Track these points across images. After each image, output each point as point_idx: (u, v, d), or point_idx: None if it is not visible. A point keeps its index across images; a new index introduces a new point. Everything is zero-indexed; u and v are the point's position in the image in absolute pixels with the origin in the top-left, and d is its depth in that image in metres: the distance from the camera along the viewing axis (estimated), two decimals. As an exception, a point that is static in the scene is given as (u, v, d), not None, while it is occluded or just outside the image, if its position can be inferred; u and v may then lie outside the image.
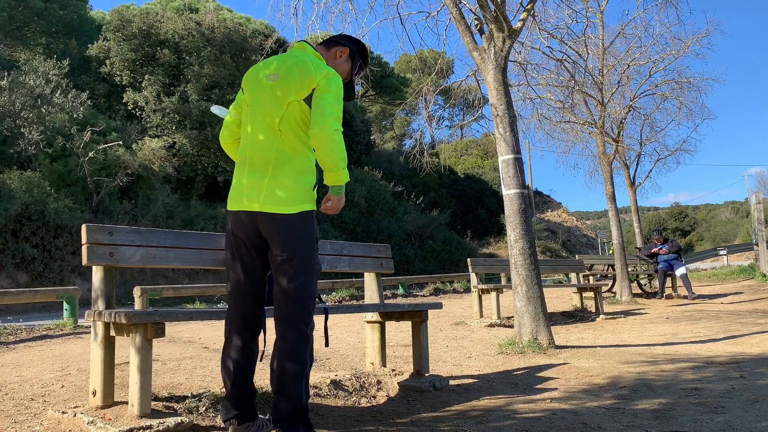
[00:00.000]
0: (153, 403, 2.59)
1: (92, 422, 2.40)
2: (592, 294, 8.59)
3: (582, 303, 8.90)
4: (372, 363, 3.83)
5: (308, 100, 2.38)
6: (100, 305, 2.67)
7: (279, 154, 2.39)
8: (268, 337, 2.60)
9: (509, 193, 5.40)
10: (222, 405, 2.44)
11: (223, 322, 2.52)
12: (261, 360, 2.56)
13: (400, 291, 13.70)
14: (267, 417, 2.50)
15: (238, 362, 2.42)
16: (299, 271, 2.34)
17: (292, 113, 2.39)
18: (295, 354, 2.28)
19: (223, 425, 2.61)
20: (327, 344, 2.73)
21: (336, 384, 3.38)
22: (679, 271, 10.88)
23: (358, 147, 25.91)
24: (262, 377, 3.23)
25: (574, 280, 9.46)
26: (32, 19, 18.32)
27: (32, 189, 11.71)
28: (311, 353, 2.35)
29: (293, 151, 2.39)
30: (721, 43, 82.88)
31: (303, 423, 2.29)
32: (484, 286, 7.54)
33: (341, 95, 2.41)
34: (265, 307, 2.53)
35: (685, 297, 10.48)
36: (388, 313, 3.72)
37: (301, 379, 2.28)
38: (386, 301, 6.89)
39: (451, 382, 3.77)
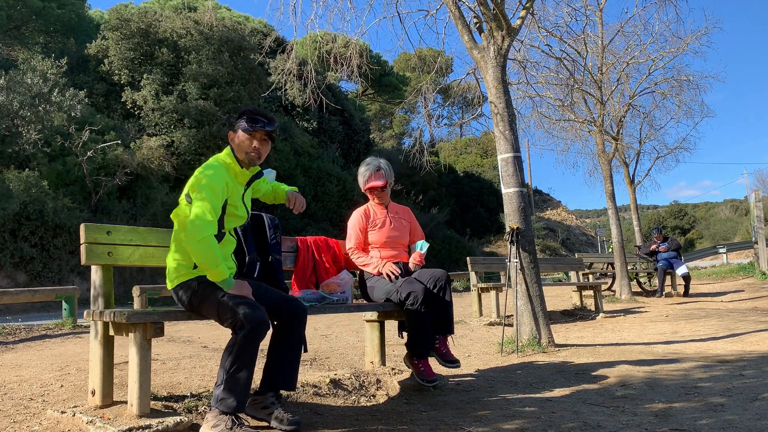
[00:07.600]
0: (152, 402, 2.58)
1: (91, 422, 2.39)
2: (591, 292, 8.59)
3: (581, 301, 8.90)
4: (371, 362, 3.83)
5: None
6: (100, 305, 2.66)
7: None
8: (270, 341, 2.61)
9: (509, 191, 5.40)
10: None
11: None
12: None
13: (400, 290, 13.65)
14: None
15: None
16: None
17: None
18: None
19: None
20: (305, 350, 2.79)
21: (335, 383, 3.37)
22: (681, 271, 10.86)
23: (358, 146, 25.87)
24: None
25: (573, 279, 9.47)
26: (30, 18, 18.27)
27: (31, 188, 11.68)
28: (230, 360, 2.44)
29: None
30: (720, 41, 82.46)
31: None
32: (483, 285, 7.53)
33: (208, 184, 2.50)
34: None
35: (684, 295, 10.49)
36: (388, 312, 3.71)
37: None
38: (386, 300, 6.86)
39: (451, 381, 3.76)
